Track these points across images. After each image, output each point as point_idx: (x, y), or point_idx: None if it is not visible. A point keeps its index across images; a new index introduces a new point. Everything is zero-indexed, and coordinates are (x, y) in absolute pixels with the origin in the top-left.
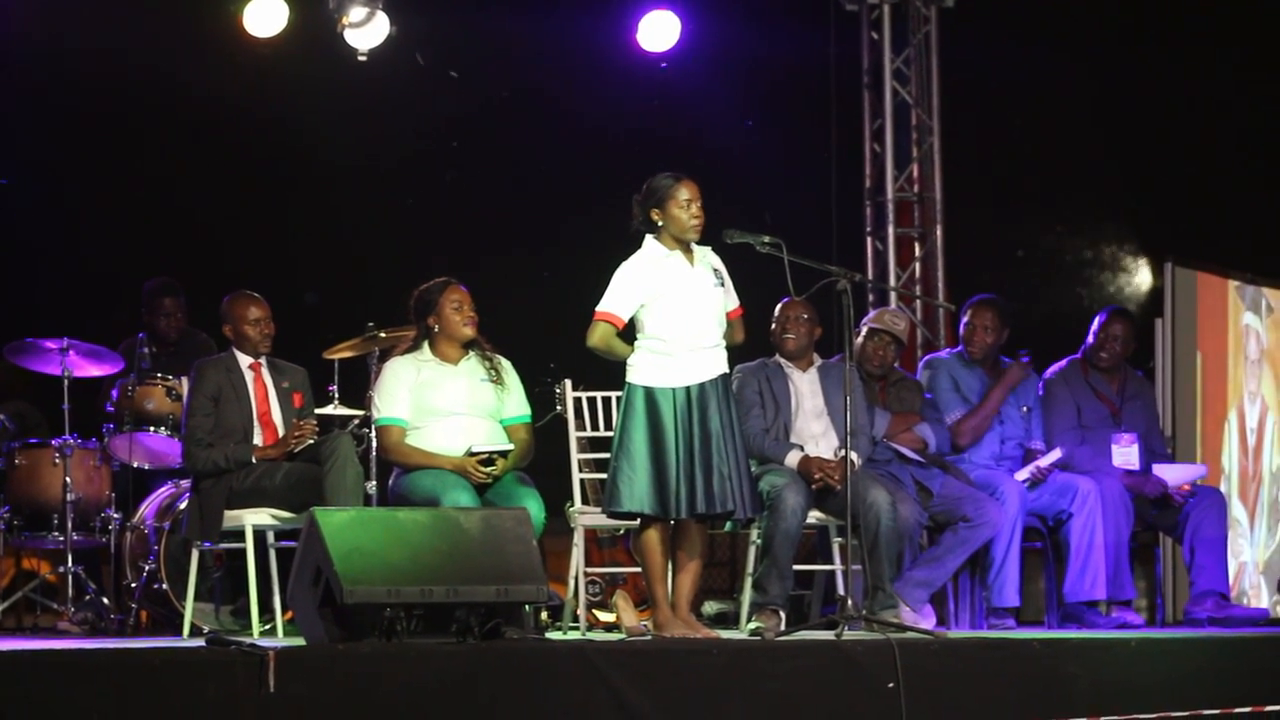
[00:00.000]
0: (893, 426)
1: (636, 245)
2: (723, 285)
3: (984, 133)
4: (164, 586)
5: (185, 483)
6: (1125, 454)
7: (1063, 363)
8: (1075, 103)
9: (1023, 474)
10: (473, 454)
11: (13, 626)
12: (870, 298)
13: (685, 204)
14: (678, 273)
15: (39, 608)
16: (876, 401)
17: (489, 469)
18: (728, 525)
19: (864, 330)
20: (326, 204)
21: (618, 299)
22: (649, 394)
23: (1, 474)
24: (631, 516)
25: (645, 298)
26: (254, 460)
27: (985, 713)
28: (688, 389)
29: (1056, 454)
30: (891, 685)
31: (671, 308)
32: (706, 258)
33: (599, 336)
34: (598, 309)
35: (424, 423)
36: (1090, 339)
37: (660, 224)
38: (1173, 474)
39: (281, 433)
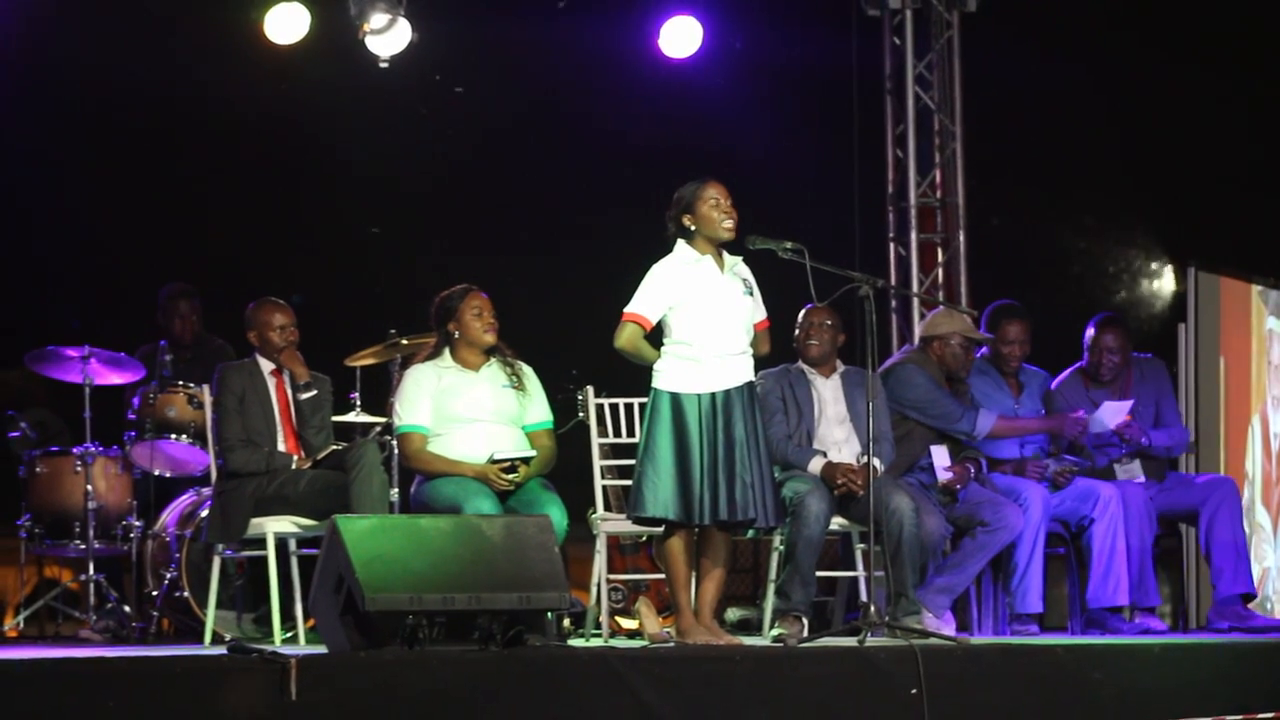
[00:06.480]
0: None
1: (660, 251)
2: (751, 295)
3: (1006, 137)
4: (185, 594)
5: (207, 490)
6: (1116, 408)
7: (1065, 374)
8: (1098, 107)
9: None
10: (495, 461)
11: (35, 635)
12: (893, 303)
13: (714, 203)
14: (707, 277)
15: (61, 616)
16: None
17: (511, 476)
18: (750, 532)
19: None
20: (347, 210)
21: (646, 300)
22: (674, 399)
23: (23, 482)
24: (656, 522)
25: (673, 300)
26: (293, 467)
27: (1008, 719)
28: (713, 395)
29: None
30: (914, 692)
31: (699, 312)
32: (737, 268)
33: (626, 337)
34: (626, 310)
35: (446, 430)
36: (1085, 354)
37: (693, 228)
38: (1106, 413)
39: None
